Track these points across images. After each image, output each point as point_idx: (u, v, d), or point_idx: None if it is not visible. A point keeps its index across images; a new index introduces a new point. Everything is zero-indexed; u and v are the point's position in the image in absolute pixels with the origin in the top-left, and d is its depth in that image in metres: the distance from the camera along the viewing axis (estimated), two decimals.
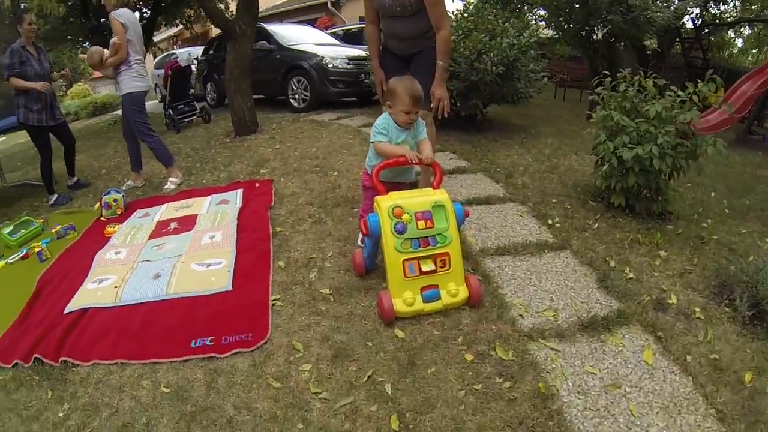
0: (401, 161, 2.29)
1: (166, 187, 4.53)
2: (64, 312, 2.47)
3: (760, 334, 2.13)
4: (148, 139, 4.52)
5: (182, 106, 7.74)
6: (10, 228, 3.86)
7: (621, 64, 12.12)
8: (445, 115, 2.88)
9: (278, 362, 1.96)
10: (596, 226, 3.19)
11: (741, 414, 1.67)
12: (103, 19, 9.38)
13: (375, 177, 2.27)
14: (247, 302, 2.39)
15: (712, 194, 4.16)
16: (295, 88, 7.70)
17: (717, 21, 13.88)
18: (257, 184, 4.18)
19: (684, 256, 2.85)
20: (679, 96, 3.17)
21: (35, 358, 2.14)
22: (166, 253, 3.02)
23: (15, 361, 2.14)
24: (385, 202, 2.16)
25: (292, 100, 7.78)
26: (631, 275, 2.58)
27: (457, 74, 5.20)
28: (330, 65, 7.27)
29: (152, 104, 11.09)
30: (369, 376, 1.83)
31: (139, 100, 4.46)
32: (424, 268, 2.13)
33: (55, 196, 4.73)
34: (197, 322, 2.26)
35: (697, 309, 2.29)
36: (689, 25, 12.58)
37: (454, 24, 5.65)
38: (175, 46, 10.97)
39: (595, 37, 8.19)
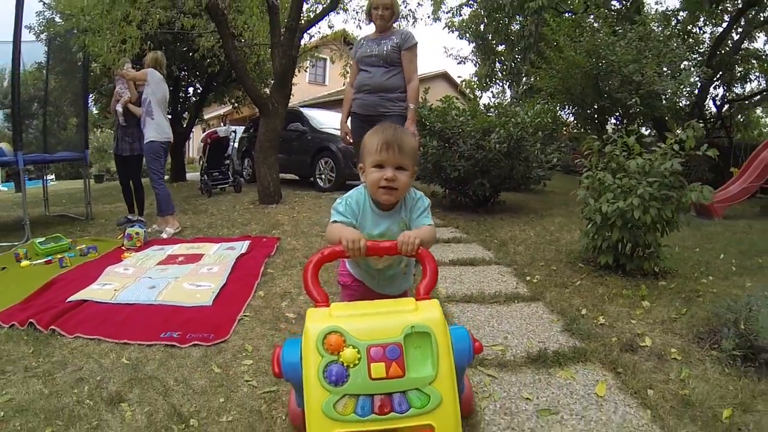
0: (336, 252, 1.42)
1: (165, 231, 5.00)
2: (66, 300, 2.87)
3: (749, 372, 2.01)
4: (156, 185, 5.08)
5: (216, 173, 8.54)
6: (42, 239, 4.44)
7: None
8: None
9: (226, 356, 2.24)
10: (579, 283, 3.23)
11: (677, 412, 1.74)
12: None
13: (307, 278, 1.40)
14: (220, 315, 2.71)
15: (722, 256, 4.01)
16: (322, 169, 8.40)
17: (736, 98, 14.32)
18: (264, 239, 4.62)
19: (672, 307, 2.80)
20: (661, 147, 3.33)
21: (30, 322, 2.55)
22: (167, 275, 3.43)
23: (12, 323, 2.56)
24: (317, 321, 1.26)
25: (318, 180, 8.45)
26: (602, 321, 2.58)
27: (463, 153, 5.55)
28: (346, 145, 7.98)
29: (195, 174, 12.09)
30: None
31: (156, 149, 5.07)
32: None
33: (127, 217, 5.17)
34: (171, 322, 2.59)
35: (674, 350, 2.24)
36: (713, 105, 13.14)
37: (463, 108, 6.27)
38: (222, 124, 12.35)
39: (608, 125, 8.57)
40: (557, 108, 8.66)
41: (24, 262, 3.99)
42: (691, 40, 12.30)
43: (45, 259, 4.06)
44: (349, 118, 3.81)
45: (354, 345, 1.20)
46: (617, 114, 8.30)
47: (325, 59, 21.33)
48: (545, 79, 8.53)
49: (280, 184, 6.96)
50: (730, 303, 2.34)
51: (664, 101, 8.04)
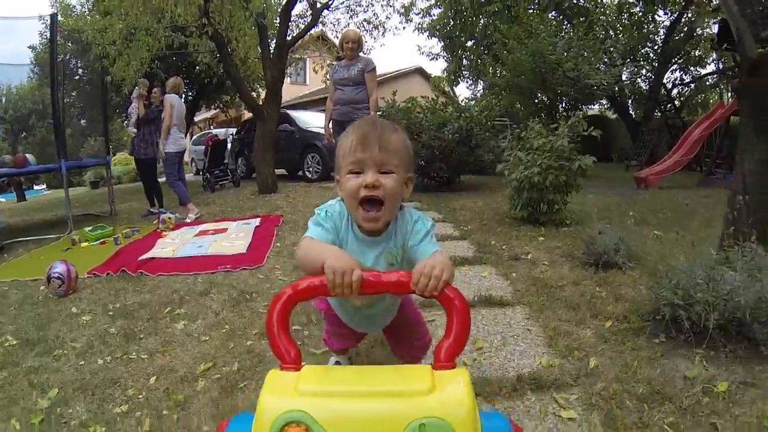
0: (314, 288, 0.99)
1: (188, 217, 6.28)
2: (138, 259, 4.16)
3: (591, 270, 3.09)
4: (172, 184, 6.49)
5: (218, 171, 9.84)
6: (90, 228, 5.67)
7: (615, 135, 14.41)
8: None
9: (264, 271, 3.60)
10: (499, 229, 4.49)
11: (531, 289, 2.90)
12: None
13: (272, 323, 0.97)
14: (254, 255, 4.05)
15: (630, 213, 4.57)
16: (309, 163, 9.78)
17: (682, 82, 15.94)
18: (271, 216, 5.93)
19: (559, 241, 3.90)
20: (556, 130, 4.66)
21: (122, 270, 3.84)
22: (206, 241, 4.73)
23: (107, 272, 3.87)
24: (276, 397, 0.86)
25: (307, 173, 9.85)
26: (504, 247, 3.78)
27: (425, 143, 6.89)
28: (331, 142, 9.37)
29: (188, 176, 13.35)
30: None
31: (172, 158, 6.47)
32: None
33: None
34: (222, 262, 3.91)
35: (546, 261, 3.38)
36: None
37: (426, 105, 7.70)
38: (211, 127, 13.67)
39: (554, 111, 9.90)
40: (506, 102, 10.11)
41: (84, 244, 5.25)
42: (651, 27, 13.82)
43: (99, 241, 5.30)
44: (331, 123, 5.25)
45: None
46: (563, 104, 9.77)
47: (305, 59, 22.63)
48: (502, 77, 9.98)
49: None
50: (591, 233, 3.53)
51: (598, 91, 9.48)
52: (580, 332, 2.26)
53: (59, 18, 11.65)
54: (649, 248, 3.32)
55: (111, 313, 2.97)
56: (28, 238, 5.88)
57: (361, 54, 5.00)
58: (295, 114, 11.00)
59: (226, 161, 10.11)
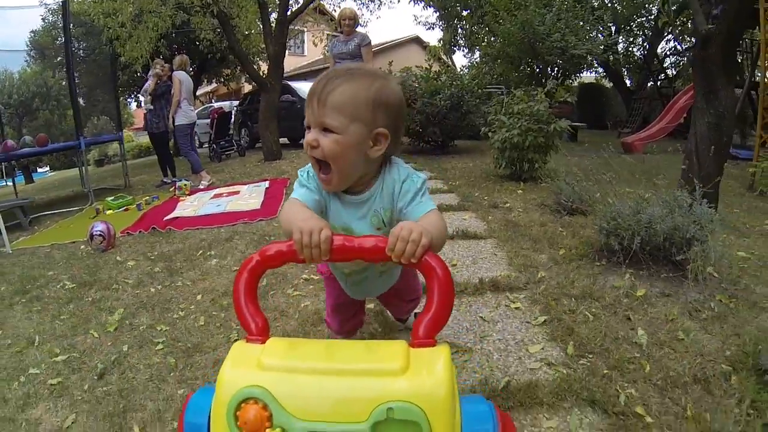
0: (282, 254, 0.92)
1: (201, 184, 6.80)
2: (164, 219, 4.71)
3: (557, 215, 3.67)
4: (186, 154, 7.01)
5: (223, 142, 10.33)
6: (112, 198, 6.21)
7: (609, 103, 14.88)
8: None
9: (276, 220, 4.14)
10: (484, 185, 4.95)
11: (503, 228, 3.46)
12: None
13: (238, 291, 0.93)
14: (268, 209, 4.61)
15: (608, 173, 5.10)
16: None
17: (676, 51, 16.24)
18: (279, 179, 6.46)
19: (537, 193, 4.38)
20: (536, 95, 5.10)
21: (152, 228, 4.39)
22: (222, 202, 5.29)
23: (139, 230, 4.42)
24: (236, 370, 0.81)
25: None
26: (486, 198, 4.28)
27: (418, 109, 7.35)
28: None
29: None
30: None
31: (184, 130, 6.98)
32: None
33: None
34: (240, 216, 4.47)
35: (520, 208, 3.89)
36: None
37: (420, 74, 8.14)
38: (212, 100, 14.21)
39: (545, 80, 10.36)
40: (500, 70, 10.50)
41: (108, 212, 5.79)
42: None
43: (123, 209, 5.84)
44: None
45: (283, 428, 0.73)
46: (553, 72, 10.19)
47: (303, 31, 22.83)
48: (493, 46, 10.37)
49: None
50: (568, 186, 4.13)
51: (585, 60, 9.91)
52: (536, 256, 2.82)
53: (59, 2, 12.06)
54: (612, 198, 3.84)
55: (152, 258, 3.54)
56: (53, 212, 6.45)
57: (357, 29, 5.46)
58: (296, 85, 11.40)
59: (231, 132, 10.58)
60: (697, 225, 2.46)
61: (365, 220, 1.20)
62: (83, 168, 7.30)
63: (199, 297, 2.68)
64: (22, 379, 2.10)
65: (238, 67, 13.80)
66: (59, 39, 9.62)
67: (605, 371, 1.70)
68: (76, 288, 3.16)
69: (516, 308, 2.20)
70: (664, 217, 2.48)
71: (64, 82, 7.90)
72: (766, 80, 6.56)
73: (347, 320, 1.71)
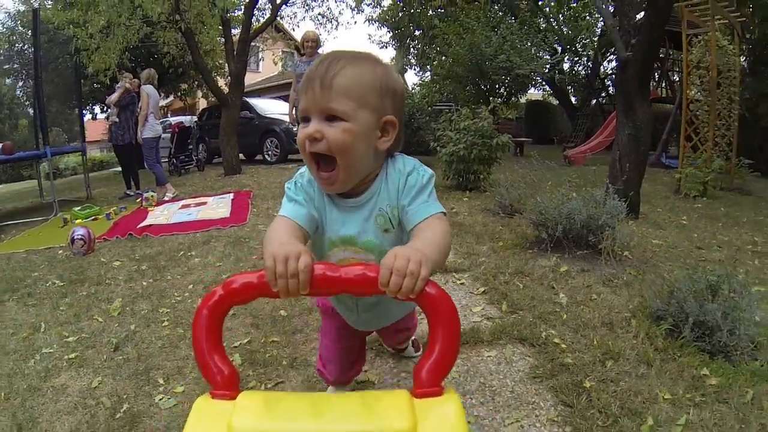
0: (249, 287, 0.76)
1: (166, 196, 7.06)
2: (138, 226, 5.00)
3: (504, 220, 4.25)
4: (152, 167, 7.21)
5: (183, 157, 10.54)
6: (79, 208, 6.39)
7: (555, 119, 15.98)
8: None
9: (249, 225, 4.55)
10: None
11: (450, 228, 4.17)
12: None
13: (199, 334, 0.77)
14: (237, 217, 4.98)
15: (549, 183, 5.14)
16: (269, 147, 10.65)
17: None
18: (242, 192, 6.81)
19: (481, 201, 4.95)
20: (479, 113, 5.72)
21: (129, 234, 4.69)
22: (192, 211, 5.60)
23: (116, 236, 4.70)
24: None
25: (267, 156, 10.72)
26: None
27: None
28: (294, 129, 10.20)
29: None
30: None
31: (150, 143, 7.17)
32: None
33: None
34: (212, 223, 4.82)
35: (466, 212, 4.48)
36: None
37: None
38: (167, 115, 14.41)
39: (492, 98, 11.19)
40: (450, 89, 11.23)
41: (77, 221, 5.96)
42: (588, 19, 15.27)
43: (91, 218, 6.03)
44: (294, 110, 6.15)
45: None
46: (499, 90, 11.04)
47: (258, 47, 23.19)
48: (443, 66, 11.14)
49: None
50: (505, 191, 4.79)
51: (529, 79, 10.82)
52: (479, 247, 3.38)
53: (19, 9, 12.02)
54: (540, 197, 4.49)
55: (136, 258, 3.87)
56: (15, 222, 6.54)
57: (319, 51, 5.94)
58: (253, 101, 11.77)
59: (190, 147, 10.81)
60: (609, 215, 3.07)
61: (369, 222, 1.07)
62: (48, 178, 7.42)
63: (190, 287, 3.06)
64: (38, 357, 2.40)
65: (195, 82, 14.01)
66: (16, 45, 9.63)
67: (532, 320, 2.25)
68: (67, 285, 3.43)
69: (461, 284, 2.73)
70: (581, 209, 3.07)
71: (18, 92, 7.90)
72: (686, 98, 7.53)
73: (350, 366, 1.54)
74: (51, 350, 2.45)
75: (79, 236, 4.27)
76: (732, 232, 4.54)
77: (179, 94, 15.02)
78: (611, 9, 5.26)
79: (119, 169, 8.34)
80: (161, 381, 2.02)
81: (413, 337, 1.89)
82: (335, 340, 1.44)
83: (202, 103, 18.80)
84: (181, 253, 3.89)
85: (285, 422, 0.67)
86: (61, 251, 4.44)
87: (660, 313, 2.19)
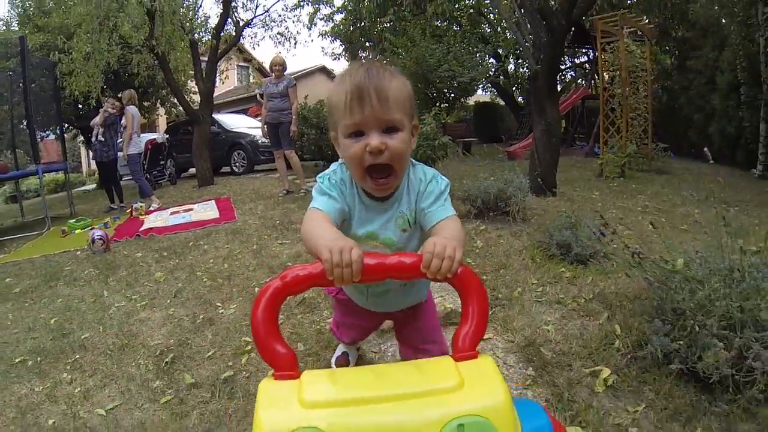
0: (309, 277, 0.86)
1: (152, 206, 7.97)
2: (140, 229, 5.98)
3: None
4: (138, 180, 8.19)
5: (155, 171, 11.42)
6: (74, 220, 7.23)
7: (503, 118, 17.54)
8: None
9: (240, 222, 5.60)
10: None
11: None
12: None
13: (257, 322, 0.85)
14: (226, 217, 6.03)
15: (492, 179, 5.51)
16: (236, 159, 11.70)
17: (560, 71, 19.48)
18: (222, 198, 7.83)
19: None
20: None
21: (136, 234, 5.68)
22: (184, 215, 6.60)
23: (124, 237, 5.68)
24: (276, 413, 0.77)
25: (234, 168, 11.76)
26: None
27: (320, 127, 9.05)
28: (259, 141, 11.22)
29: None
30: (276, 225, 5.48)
31: (135, 158, 8.12)
32: None
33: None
34: (206, 223, 5.86)
35: None
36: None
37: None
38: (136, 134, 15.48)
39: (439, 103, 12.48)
40: None
41: (77, 231, 6.83)
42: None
43: (88, 228, 6.91)
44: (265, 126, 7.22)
45: None
46: (447, 96, 12.47)
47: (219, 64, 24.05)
48: None
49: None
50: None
51: (471, 85, 12.28)
52: None
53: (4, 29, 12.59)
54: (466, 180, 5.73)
55: (155, 249, 4.89)
56: (10, 237, 7.17)
57: (285, 73, 7.03)
58: (219, 117, 12.78)
59: (162, 162, 11.70)
60: (516, 189, 4.35)
61: (391, 222, 1.20)
62: (42, 194, 8.25)
63: (211, 261, 4.14)
64: (114, 309, 3.35)
65: (159, 100, 14.80)
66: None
67: None
68: (104, 270, 4.37)
69: None
70: (493, 185, 4.35)
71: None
72: (602, 94, 9.15)
73: (358, 335, 1.86)
74: (122, 304, 3.43)
75: (98, 236, 5.22)
76: (632, 201, 5.91)
77: (143, 112, 15.76)
78: (528, 26, 6.59)
79: (89, 187, 9.11)
80: (219, 304, 3.13)
81: None
82: (346, 313, 1.67)
83: (162, 120, 19.53)
84: (191, 243, 4.93)
85: (352, 391, 0.76)
86: (79, 252, 5.34)
87: (540, 244, 3.46)
